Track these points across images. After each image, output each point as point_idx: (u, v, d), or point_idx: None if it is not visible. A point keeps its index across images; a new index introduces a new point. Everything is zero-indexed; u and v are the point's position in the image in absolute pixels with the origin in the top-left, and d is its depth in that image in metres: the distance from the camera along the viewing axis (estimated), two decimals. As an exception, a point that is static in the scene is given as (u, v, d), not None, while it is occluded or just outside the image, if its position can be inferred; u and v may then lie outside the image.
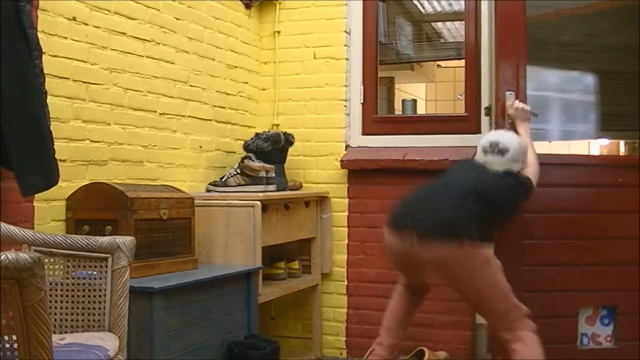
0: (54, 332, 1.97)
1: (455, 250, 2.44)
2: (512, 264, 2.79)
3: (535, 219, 3.09)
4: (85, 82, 2.65)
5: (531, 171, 2.81)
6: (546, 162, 2.96)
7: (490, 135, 2.85)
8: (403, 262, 2.71)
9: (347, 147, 3.72)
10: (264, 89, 3.89)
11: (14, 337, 1.37)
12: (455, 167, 2.92)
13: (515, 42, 3.10)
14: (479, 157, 2.78)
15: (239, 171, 3.34)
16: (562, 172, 3.14)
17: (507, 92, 3.06)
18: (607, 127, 3.59)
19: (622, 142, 4.77)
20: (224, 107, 3.56)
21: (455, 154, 3.33)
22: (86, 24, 2.66)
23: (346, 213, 3.68)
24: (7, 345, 1.39)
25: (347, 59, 3.73)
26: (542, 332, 2.57)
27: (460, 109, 4.01)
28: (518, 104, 3.03)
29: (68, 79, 2.58)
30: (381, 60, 3.82)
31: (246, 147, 3.44)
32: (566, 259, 3.09)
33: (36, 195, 2.38)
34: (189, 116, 3.29)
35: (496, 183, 2.68)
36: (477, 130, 3.50)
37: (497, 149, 2.72)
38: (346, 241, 3.68)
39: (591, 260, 3.09)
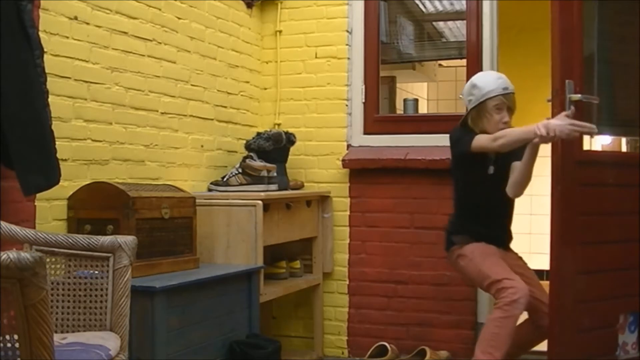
0: (56, 332, 1.97)
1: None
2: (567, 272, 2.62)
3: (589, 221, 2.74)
4: (86, 82, 2.65)
5: (491, 137, 2.77)
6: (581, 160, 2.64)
7: (498, 77, 3.00)
8: None
9: (348, 146, 3.72)
10: (265, 88, 3.88)
11: (16, 337, 1.37)
12: None
13: (573, 25, 2.64)
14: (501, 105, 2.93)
15: (240, 170, 3.34)
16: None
17: (567, 81, 2.57)
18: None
19: (623, 140, 4.76)
20: (225, 107, 3.56)
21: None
22: (87, 24, 2.66)
23: (347, 212, 3.68)
24: (9, 345, 1.39)
25: (348, 58, 3.73)
26: (587, 344, 2.56)
27: (461, 108, 3.98)
28: (572, 122, 2.42)
29: (69, 78, 2.58)
30: (383, 60, 3.82)
31: (248, 146, 3.44)
32: (605, 264, 2.78)
33: (37, 195, 2.38)
34: (191, 115, 3.29)
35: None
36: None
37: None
38: (347, 240, 3.68)
39: (628, 265, 2.81)
